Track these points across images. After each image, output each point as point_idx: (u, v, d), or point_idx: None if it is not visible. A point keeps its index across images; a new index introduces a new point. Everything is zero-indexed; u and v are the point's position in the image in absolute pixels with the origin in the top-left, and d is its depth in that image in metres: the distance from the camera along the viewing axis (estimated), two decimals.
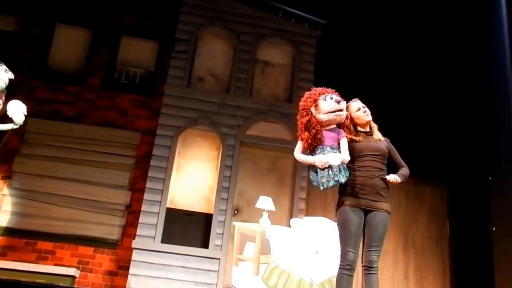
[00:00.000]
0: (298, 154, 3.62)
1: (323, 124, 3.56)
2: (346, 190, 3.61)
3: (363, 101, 3.88)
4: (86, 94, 7.25)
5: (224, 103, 7.03)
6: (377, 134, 3.80)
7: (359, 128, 3.81)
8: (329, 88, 3.70)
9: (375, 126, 3.86)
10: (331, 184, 3.39)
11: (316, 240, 5.22)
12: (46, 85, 7.20)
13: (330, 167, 3.37)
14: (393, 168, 3.77)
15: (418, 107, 7.54)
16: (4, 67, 3.91)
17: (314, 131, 3.52)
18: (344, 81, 7.39)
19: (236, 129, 6.90)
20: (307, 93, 3.72)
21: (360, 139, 3.72)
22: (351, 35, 7.91)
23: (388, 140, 3.84)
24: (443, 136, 7.34)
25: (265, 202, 5.87)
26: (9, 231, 6.33)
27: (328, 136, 3.54)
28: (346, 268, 3.48)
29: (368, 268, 3.47)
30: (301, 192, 6.63)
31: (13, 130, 6.60)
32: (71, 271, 5.51)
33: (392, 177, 3.60)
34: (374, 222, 3.52)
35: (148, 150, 6.78)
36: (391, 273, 6.89)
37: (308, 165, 3.59)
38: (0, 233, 6.31)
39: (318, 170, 3.42)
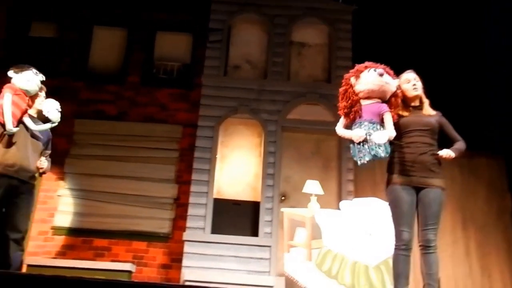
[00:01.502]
0: (339, 128, 3.53)
1: (361, 96, 3.39)
2: (394, 168, 3.46)
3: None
4: (126, 92, 7.32)
5: (262, 89, 6.90)
6: (427, 109, 3.58)
7: (409, 103, 3.60)
8: (382, 64, 3.49)
9: (426, 101, 3.63)
10: (367, 158, 3.25)
11: (369, 222, 5.07)
12: (88, 86, 7.32)
13: (365, 140, 3.23)
14: (448, 143, 3.55)
15: (467, 77, 7.16)
16: (34, 70, 3.95)
17: (351, 101, 3.40)
18: (385, 56, 7.16)
19: (276, 114, 6.77)
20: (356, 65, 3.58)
21: (407, 114, 3.52)
22: (388, 5, 7.59)
23: (440, 114, 3.61)
24: (493, 107, 6.97)
25: (312, 186, 5.75)
26: (67, 231, 6.50)
27: (368, 110, 3.37)
28: (401, 248, 3.35)
29: (426, 248, 3.32)
30: (348, 173, 6.45)
31: (60, 132, 6.90)
32: (127, 266, 5.59)
33: (445, 152, 3.41)
34: (428, 199, 3.36)
35: (191, 143, 6.76)
36: (451, 251, 6.58)
37: (349, 139, 3.43)
38: (58, 233, 6.49)
39: (356, 144, 3.30)
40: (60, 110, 4.05)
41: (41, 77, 3.96)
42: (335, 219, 5.33)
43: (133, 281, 5.62)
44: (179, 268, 6.01)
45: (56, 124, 4.01)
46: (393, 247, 3.42)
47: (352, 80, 3.46)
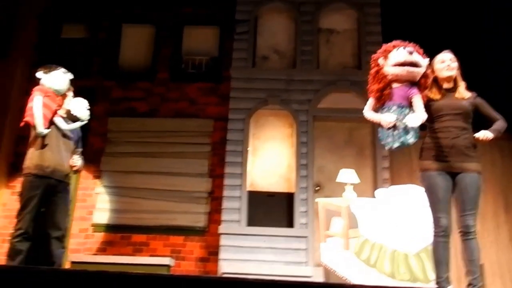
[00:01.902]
0: (367, 111, 3.47)
1: (391, 78, 3.28)
2: (427, 154, 3.39)
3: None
4: (156, 89, 7.41)
5: (292, 79, 6.86)
6: (461, 92, 3.45)
7: (442, 85, 3.50)
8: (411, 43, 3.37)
9: (461, 84, 3.50)
10: (395, 145, 3.22)
11: (407, 209, 5.01)
12: (119, 84, 7.44)
13: (394, 127, 3.16)
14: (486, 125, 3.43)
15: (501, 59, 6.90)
16: (63, 69, 4.01)
17: (383, 84, 3.31)
18: (415, 40, 6.98)
19: (307, 104, 6.72)
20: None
21: (439, 97, 3.42)
22: None
23: (476, 95, 3.48)
24: None
25: (347, 175, 5.70)
26: (106, 228, 6.65)
27: (398, 94, 3.26)
28: (440, 235, 3.32)
29: (466, 234, 3.26)
30: (384, 161, 6.35)
31: (95, 131, 7.08)
32: (166, 261, 5.68)
33: (482, 134, 3.30)
34: (464, 184, 3.28)
35: (222, 136, 6.80)
36: (493, 237, 6.40)
37: (378, 123, 3.36)
38: (98, 230, 6.66)
39: (385, 129, 3.23)
40: (88, 108, 4.11)
41: (70, 76, 4.03)
42: (372, 208, 5.29)
43: (174, 274, 5.75)
44: (216, 261, 6.08)
45: (86, 122, 4.10)
46: (432, 234, 3.39)
47: (381, 61, 3.36)
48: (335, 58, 7.12)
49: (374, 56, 3.45)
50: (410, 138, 3.17)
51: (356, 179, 5.68)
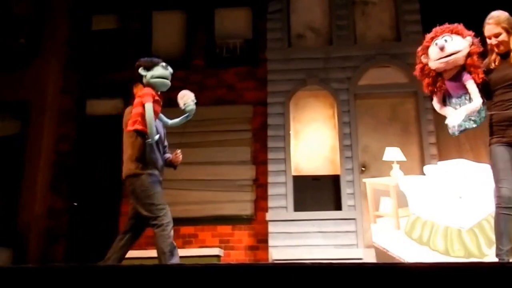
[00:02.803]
0: (435, 105, 3.62)
1: (437, 72, 3.45)
2: (490, 130, 3.51)
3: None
4: (193, 76, 7.49)
5: (330, 57, 6.93)
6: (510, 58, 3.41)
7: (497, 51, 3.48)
8: (445, 25, 3.46)
9: None
10: (457, 133, 3.47)
11: (458, 184, 5.11)
12: None
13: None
14: None
15: None
16: (163, 63, 4.02)
17: (431, 78, 3.48)
18: (457, 4, 6.87)
19: (347, 82, 6.81)
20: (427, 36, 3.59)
21: (495, 65, 3.44)
22: None
23: None
24: None
25: (393, 154, 5.82)
26: None
27: (451, 86, 3.44)
28: (501, 206, 3.35)
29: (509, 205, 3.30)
30: (430, 137, 6.41)
31: None
32: (216, 251, 5.91)
33: None
34: None
35: (262, 121, 6.97)
36: None
37: None
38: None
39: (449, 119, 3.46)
40: (196, 101, 4.13)
41: (171, 70, 4.06)
42: (421, 185, 5.41)
43: (227, 263, 6.02)
44: (266, 248, 6.33)
45: (191, 117, 4.12)
46: (495, 205, 3.44)
47: (423, 59, 3.51)
48: (373, 31, 7.14)
49: (418, 51, 3.59)
50: (473, 124, 3.40)
51: (402, 157, 5.79)
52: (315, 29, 7.30)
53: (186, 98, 4.09)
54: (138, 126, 3.69)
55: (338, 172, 6.58)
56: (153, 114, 3.67)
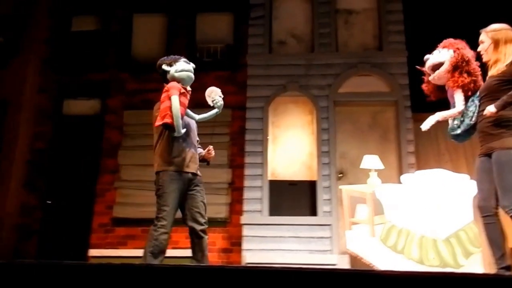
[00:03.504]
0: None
1: (439, 83, 3.62)
2: None
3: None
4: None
5: (311, 64, 6.85)
6: (495, 69, 3.37)
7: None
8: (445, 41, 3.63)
9: (496, 60, 3.38)
10: (452, 139, 3.60)
11: (436, 194, 5.01)
12: (134, 76, 7.50)
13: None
14: None
15: None
16: (184, 59, 3.94)
17: (430, 92, 3.71)
18: (439, 16, 6.87)
19: (327, 89, 6.71)
20: None
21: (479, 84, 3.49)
22: None
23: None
24: None
25: (370, 161, 5.72)
26: (126, 221, 6.78)
27: (449, 96, 3.58)
28: (481, 216, 3.36)
29: (506, 212, 3.20)
30: (409, 145, 6.31)
31: (112, 124, 7.18)
32: (189, 253, 5.76)
33: (486, 111, 3.26)
34: (492, 164, 3.28)
35: (241, 125, 6.84)
36: None
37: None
38: (118, 224, 6.79)
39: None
40: (222, 96, 4.06)
41: (193, 65, 3.97)
42: (397, 194, 5.30)
43: (198, 265, 5.83)
44: (239, 251, 6.15)
45: (220, 111, 4.06)
46: None
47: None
48: (355, 40, 7.07)
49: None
50: (459, 129, 3.50)
51: (380, 165, 5.69)
52: (297, 36, 7.21)
53: (214, 94, 4.03)
54: (167, 120, 3.58)
55: (315, 178, 6.44)
56: (179, 106, 3.58)
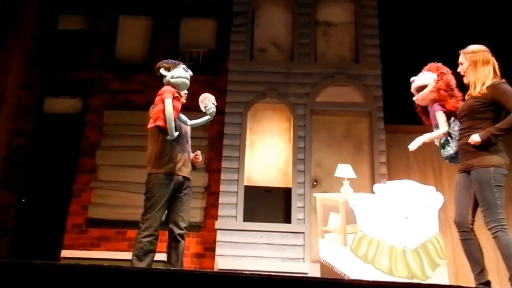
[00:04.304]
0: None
1: (422, 104, 3.70)
2: None
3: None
4: (154, 82, 7.24)
5: (290, 72, 6.80)
6: (475, 90, 3.37)
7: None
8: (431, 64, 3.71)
9: (473, 81, 3.40)
10: (448, 161, 3.62)
11: (404, 205, 4.98)
12: (117, 77, 7.35)
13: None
14: None
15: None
16: (183, 65, 3.92)
17: (418, 109, 3.76)
18: (413, 32, 6.94)
19: (305, 97, 6.67)
20: None
21: (467, 97, 3.48)
22: None
23: (496, 84, 3.30)
24: None
25: (344, 170, 5.66)
26: (100, 222, 6.58)
27: (431, 117, 3.63)
28: (457, 231, 3.38)
29: (489, 230, 3.21)
30: (381, 156, 6.30)
31: (92, 124, 7.02)
32: (162, 257, 5.63)
33: (470, 139, 3.28)
34: (472, 182, 3.30)
35: (219, 130, 6.72)
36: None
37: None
38: (92, 225, 6.59)
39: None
40: (215, 103, 4.00)
41: (191, 72, 3.94)
42: (369, 203, 5.26)
43: (170, 269, 5.71)
44: (212, 257, 6.03)
45: (212, 118, 4.00)
46: None
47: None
48: (333, 51, 7.06)
49: None
50: (445, 151, 3.56)
51: (353, 174, 5.65)
52: (277, 45, 7.16)
53: (207, 101, 3.98)
54: (159, 123, 3.56)
55: (290, 185, 6.36)
56: (172, 110, 3.54)
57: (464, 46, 3.52)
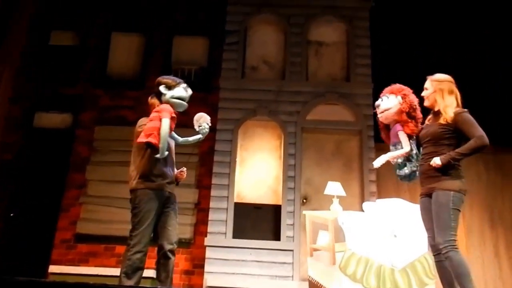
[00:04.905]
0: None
1: (385, 122, 3.72)
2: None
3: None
4: (146, 98, 7.19)
5: (281, 90, 6.80)
6: (442, 116, 3.41)
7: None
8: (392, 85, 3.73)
9: (440, 107, 3.44)
10: (401, 179, 3.72)
11: (393, 223, 4.93)
12: (108, 93, 7.31)
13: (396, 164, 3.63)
14: None
15: (492, 70, 6.91)
16: (184, 85, 3.82)
17: (381, 129, 3.80)
18: (403, 53, 7.01)
19: (295, 115, 6.66)
20: None
21: (428, 122, 3.57)
22: (406, 1, 7.44)
23: (460, 113, 3.36)
24: None
25: (334, 188, 5.61)
26: (89, 238, 6.47)
27: (391, 135, 3.69)
28: (432, 254, 3.39)
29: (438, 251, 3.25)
30: (371, 174, 6.28)
31: (82, 139, 6.94)
32: (150, 273, 5.52)
33: (432, 161, 3.32)
34: (432, 203, 3.34)
35: (210, 146, 6.67)
36: (479, 252, 6.31)
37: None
38: (81, 240, 6.47)
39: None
40: (210, 124, 3.96)
41: (190, 91, 3.87)
42: (359, 221, 5.19)
43: (159, 286, 5.59)
44: (201, 274, 5.94)
45: (203, 138, 3.97)
46: None
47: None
48: (324, 70, 7.08)
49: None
50: (403, 171, 3.62)
51: (342, 192, 5.60)
52: (269, 63, 7.18)
53: (202, 121, 3.91)
54: (152, 140, 3.43)
55: (280, 203, 6.31)
56: (168, 130, 3.48)
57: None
